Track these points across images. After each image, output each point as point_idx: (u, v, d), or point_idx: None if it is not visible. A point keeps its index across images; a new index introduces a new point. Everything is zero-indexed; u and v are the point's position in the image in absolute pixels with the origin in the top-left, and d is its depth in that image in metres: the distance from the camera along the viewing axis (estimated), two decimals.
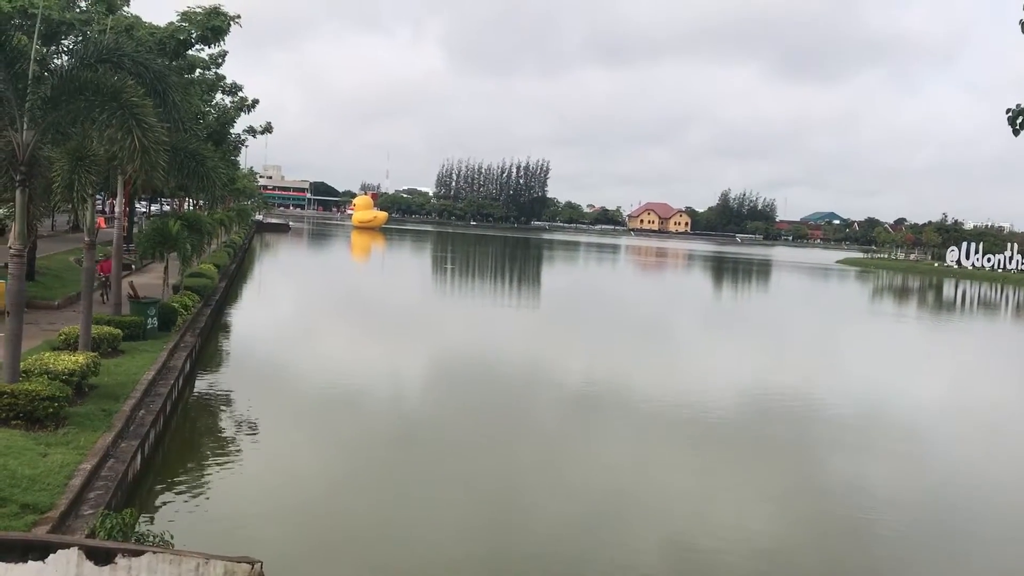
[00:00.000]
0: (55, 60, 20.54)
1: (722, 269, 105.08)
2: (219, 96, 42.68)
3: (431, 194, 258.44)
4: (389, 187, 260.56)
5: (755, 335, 41.65)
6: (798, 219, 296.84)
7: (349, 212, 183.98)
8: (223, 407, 19.63)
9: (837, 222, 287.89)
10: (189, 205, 59.13)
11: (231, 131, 46.87)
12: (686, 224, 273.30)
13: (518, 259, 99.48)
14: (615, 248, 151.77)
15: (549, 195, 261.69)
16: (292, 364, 24.92)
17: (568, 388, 24.39)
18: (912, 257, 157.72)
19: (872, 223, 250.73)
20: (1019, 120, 8.37)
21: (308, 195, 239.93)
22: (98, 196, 41.23)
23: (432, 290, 54.72)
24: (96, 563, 7.83)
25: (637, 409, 22.01)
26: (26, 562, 7.79)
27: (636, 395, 23.75)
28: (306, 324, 34.87)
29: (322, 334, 32.23)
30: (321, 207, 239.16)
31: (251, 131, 51.85)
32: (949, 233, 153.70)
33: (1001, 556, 13.83)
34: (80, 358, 14.85)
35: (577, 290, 62.92)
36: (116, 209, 27.19)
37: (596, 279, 77.78)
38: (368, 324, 35.87)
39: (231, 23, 25.13)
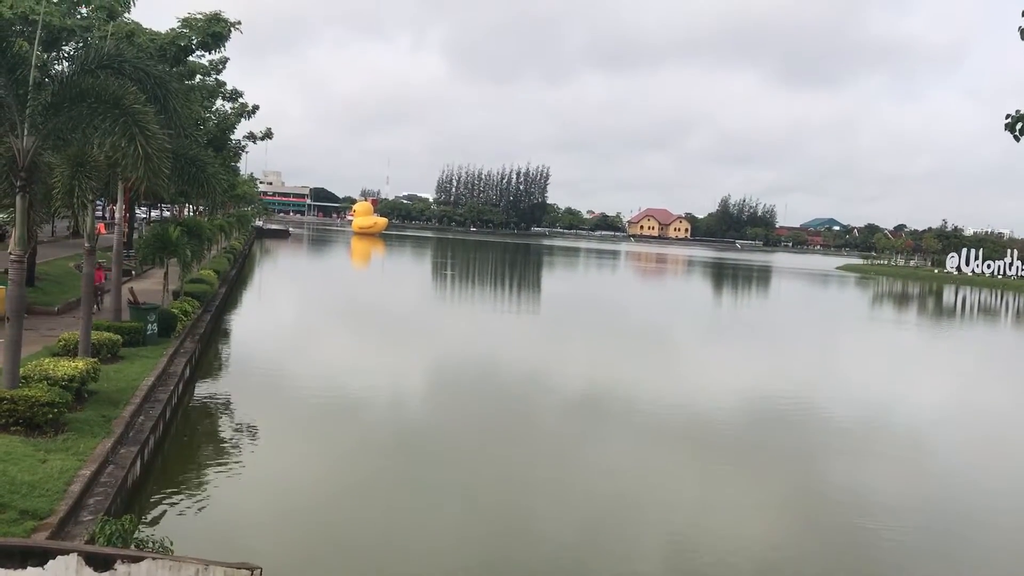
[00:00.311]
0: (56, 66, 20.56)
1: (722, 275, 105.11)
2: (219, 102, 42.77)
3: (431, 200, 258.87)
4: (389, 193, 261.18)
5: (756, 341, 41.64)
6: (798, 225, 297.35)
7: (349, 218, 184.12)
8: (223, 413, 19.62)
9: (837, 228, 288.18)
10: (189, 211, 59.19)
11: (231, 137, 46.95)
12: (686, 230, 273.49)
13: (518, 265, 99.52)
14: (615, 254, 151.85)
15: (549, 201, 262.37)
16: (292, 370, 24.91)
17: (568, 395, 24.36)
18: (912, 263, 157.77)
19: (872, 229, 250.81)
20: (1018, 126, 8.37)
21: (308, 201, 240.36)
22: (98, 202, 41.24)
23: (432, 297, 54.72)
24: (95, 569, 7.81)
25: (638, 415, 21.99)
26: (25, 568, 7.77)
27: (637, 401, 23.73)
28: (306, 330, 34.87)
29: (322, 340, 32.22)
30: (321, 213, 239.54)
31: (251, 137, 51.98)
32: (949, 239, 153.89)
33: (1002, 564, 13.80)
34: (80, 364, 14.84)
35: (577, 296, 62.92)
36: (116, 215, 27.21)
37: (596, 285, 77.78)
38: (368, 331, 35.87)
39: (231, 29, 25.17)
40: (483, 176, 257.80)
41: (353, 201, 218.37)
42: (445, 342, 33.47)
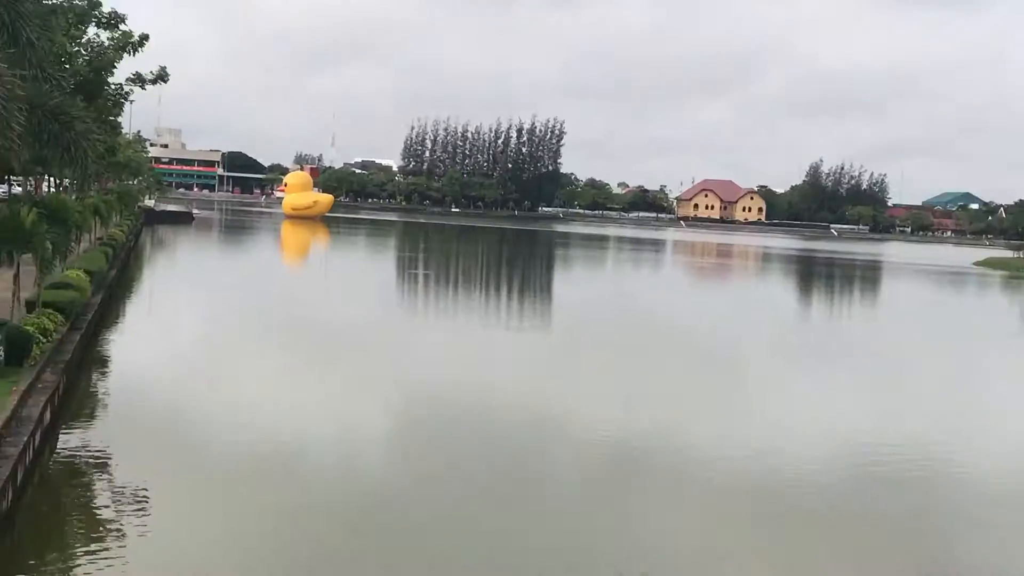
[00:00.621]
0: None
1: (811, 275, 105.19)
2: (93, 30, 42.85)
3: (395, 169, 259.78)
4: (336, 159, 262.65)
5: (859, 372, 41.67)
6: (920, 203, 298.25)
7: (278, 194, 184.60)
8: (99, 473, 19.63)
9: (975, 206, 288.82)
10: (49, 186, 59.25)
11: (110, 81, 47.01)
12: (759, 210, 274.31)
13: (519, 265, 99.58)
14: (658, 244, 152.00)
15: (564, 170, 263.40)
16: (199, 412, 24.92)
17: (594, 444, 24.37)
18: None
19: None
20: None
21: (220, 171, 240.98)
22: None
23: (397, 307, 54.76)
24: None
25: (690, 472, 22.03)
26: None
27: (689, 453, 23.76)
28: (218, 356, 34.88)
29: (241, 370, 32.24)
30: (239, 188, 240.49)
31: (138, 80, 51.94)
32: None
33: None
34: None
35: (604, 305, 62.96)
36: None
37: (629, 288, 77.85)
38: (307, 357, 35.89)
39: None
40: (469, 135, 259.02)
41: (284, 171, 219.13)
42: (416, 372, 33.48)
